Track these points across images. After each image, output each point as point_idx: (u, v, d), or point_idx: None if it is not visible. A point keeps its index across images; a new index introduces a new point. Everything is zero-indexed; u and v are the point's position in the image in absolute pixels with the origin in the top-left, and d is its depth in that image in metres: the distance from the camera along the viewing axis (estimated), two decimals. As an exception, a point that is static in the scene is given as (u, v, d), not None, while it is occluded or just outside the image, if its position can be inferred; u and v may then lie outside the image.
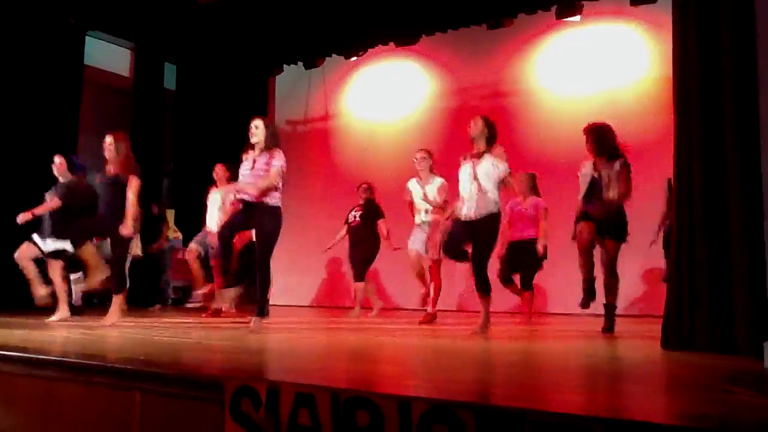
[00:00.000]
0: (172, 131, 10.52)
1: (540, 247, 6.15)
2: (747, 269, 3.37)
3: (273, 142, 4.92)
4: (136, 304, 7.67)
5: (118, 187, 5.23)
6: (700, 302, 3.64)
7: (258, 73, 10.43)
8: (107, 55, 9.98)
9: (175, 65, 10.70)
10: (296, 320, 6.90)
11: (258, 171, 4.82)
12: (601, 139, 5.07)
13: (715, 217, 3.60)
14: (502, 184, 4.88)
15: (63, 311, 5.82)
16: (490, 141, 4.91)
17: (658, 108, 6.67)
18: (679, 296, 3.77)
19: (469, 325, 5.07)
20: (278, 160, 4.82)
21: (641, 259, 6.73)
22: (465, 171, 4.92)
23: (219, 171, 6.96)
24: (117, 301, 5.33)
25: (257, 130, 4.91)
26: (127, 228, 5.15)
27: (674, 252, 3.86)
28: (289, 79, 10.57)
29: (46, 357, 3.18)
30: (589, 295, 5.07)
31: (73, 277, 6.58)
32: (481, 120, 4.97)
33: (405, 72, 9.63)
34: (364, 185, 7.54)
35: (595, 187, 5.05)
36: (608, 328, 4.99)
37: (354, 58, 9.63)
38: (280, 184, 4.86)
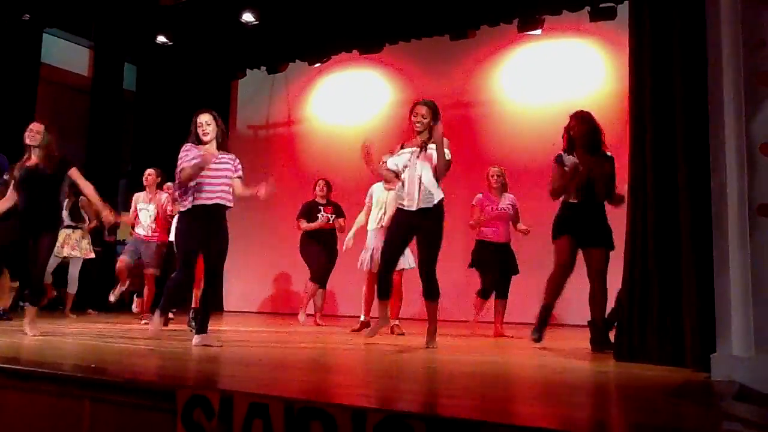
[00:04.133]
0: (131, 132, 10.36)
1: (525, 228, 5.84)
2: (695, 281, 3.45)
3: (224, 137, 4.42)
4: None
5: (44, 180, 4.71)
6: (651, 314, 3.71)
7: (220, 77, 10.34)
8: (65, 54, 9.79)
9: (136, 66, 10.54)
10: (255, 328, 6.83)
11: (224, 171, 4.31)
12: (593, 131, 4.63)
13: (667, 228, 3.68)
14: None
15: None
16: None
17: (613, 120, 6.76)
18: (630, 307, 3.84)
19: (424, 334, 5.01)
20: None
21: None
22: (403, 161, 4.48)
23: (151, 176, 6.65)
24: (30, 312, 4.69)
25: (209, 127, 4.27)
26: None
27: (627, 262, 3.93)
28: (251, 83, 10.50)
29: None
30: (543, 324, 4.62)
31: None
32: (430, 109, 4.51)
33: (368, 80, 9.65)
34: (321, 182, 7.14)
35: (584, 185, 4.55)
36: (600, 343, 4.41)
37: (317, 65, 9.63)
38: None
